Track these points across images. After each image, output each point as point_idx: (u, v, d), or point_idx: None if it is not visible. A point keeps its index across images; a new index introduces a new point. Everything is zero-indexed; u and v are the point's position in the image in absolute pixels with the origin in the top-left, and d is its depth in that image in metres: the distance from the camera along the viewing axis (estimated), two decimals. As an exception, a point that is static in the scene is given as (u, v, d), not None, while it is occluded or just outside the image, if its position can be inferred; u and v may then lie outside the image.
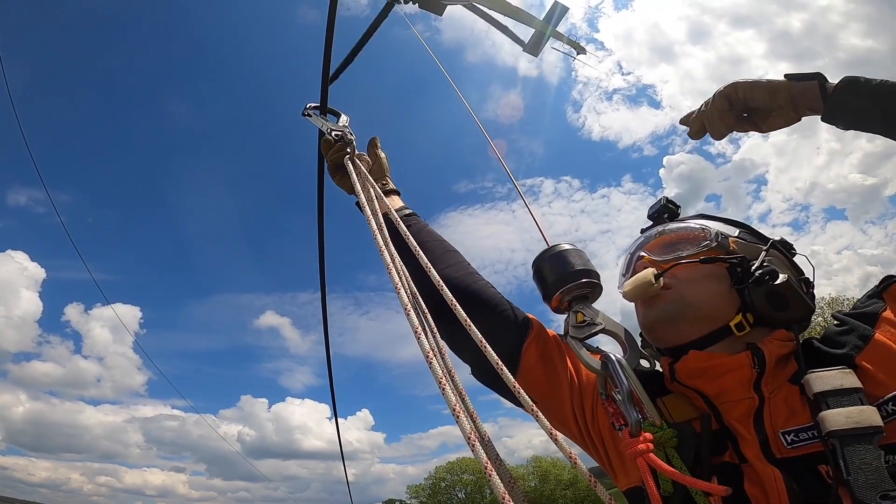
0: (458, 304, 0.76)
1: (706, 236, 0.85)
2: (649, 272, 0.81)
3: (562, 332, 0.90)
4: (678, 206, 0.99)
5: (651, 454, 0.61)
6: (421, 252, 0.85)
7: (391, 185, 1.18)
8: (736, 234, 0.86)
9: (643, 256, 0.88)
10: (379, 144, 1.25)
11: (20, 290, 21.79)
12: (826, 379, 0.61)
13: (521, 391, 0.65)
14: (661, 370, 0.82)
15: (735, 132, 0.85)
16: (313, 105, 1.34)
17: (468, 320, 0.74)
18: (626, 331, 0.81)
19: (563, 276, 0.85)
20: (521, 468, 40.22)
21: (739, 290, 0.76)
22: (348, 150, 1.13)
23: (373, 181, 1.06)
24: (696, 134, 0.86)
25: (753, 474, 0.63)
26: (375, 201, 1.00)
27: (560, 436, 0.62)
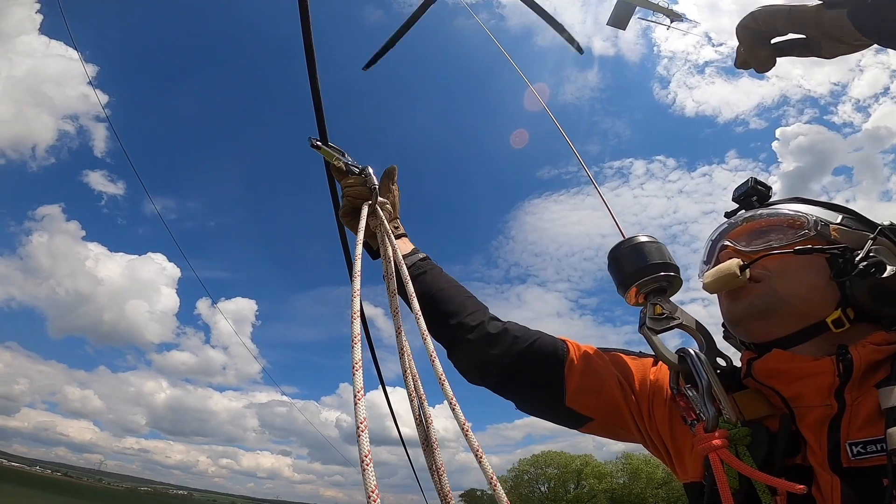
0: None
1: (803, 224, 0.76)
2: (733, 263, 0.74)
3: (638, 331, 0.84)
4: (769, 189, 0.88)
5: (724, 450, 0.62)
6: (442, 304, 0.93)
7: (402, 229, 1.07)
8: (838, 221, 0.76)
9: (727, 246, 0.80)
10: (396, 177, 1.09)
11: (161, 288, 25.00)
12: None
13: (456, 405, 0.62)
14: (736, 365, 0.77)
15: (799, 58, 0.68)
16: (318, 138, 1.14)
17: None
18: (704, 328, 0.79)
19: (641, 268, 0.82)
20: (610, 464, 38.69)
21: (840, 282, 0.69)
22: (371, 199, 0.97)
23: (394, 240, 0.92)
24: (740, 64, 0.72)
25: (816, 480, 0.62)
26: (392, 262, 0.89)
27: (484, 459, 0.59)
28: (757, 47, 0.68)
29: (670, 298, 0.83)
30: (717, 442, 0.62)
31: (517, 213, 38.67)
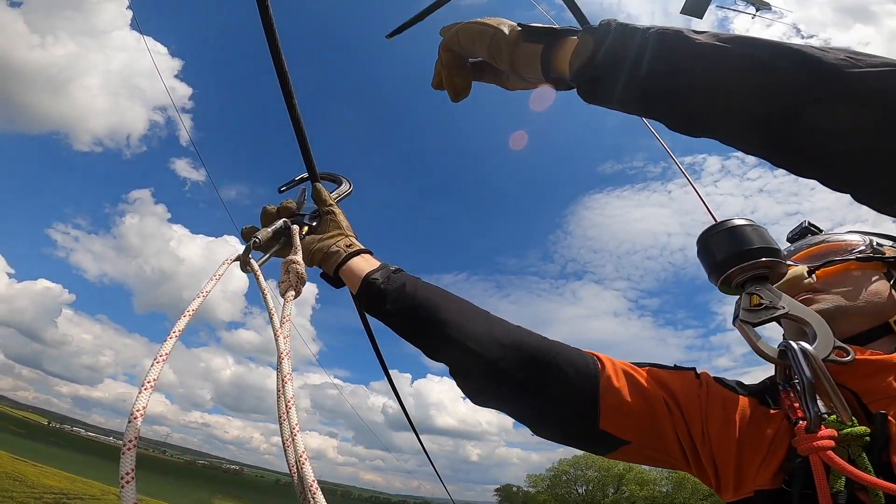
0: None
1: (859, 244, 0.82)
2: (802, 267, 0.79)
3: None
4: (821, 231, 0.96)
5: (830, 452, 0.56)
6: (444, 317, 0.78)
7: (357, 245, 0.89)
8: (891, 244, 0.82)
9: (791, 265, 0.81)
10: (327, 198, 0.93)
11: (233, 269, 28.52)
12: None
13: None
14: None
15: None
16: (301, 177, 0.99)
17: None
18: (818, 318, 0.69)
19: (737, 253, 0.73)
20: (655, 471, 37.45)
21: None
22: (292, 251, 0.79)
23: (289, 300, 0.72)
24: (436, 86, 0.72)
25: None
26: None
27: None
28: (455, 72, 0.69)
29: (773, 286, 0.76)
30: (822, 443, 0.56)
31: (576, 208, 36.26)
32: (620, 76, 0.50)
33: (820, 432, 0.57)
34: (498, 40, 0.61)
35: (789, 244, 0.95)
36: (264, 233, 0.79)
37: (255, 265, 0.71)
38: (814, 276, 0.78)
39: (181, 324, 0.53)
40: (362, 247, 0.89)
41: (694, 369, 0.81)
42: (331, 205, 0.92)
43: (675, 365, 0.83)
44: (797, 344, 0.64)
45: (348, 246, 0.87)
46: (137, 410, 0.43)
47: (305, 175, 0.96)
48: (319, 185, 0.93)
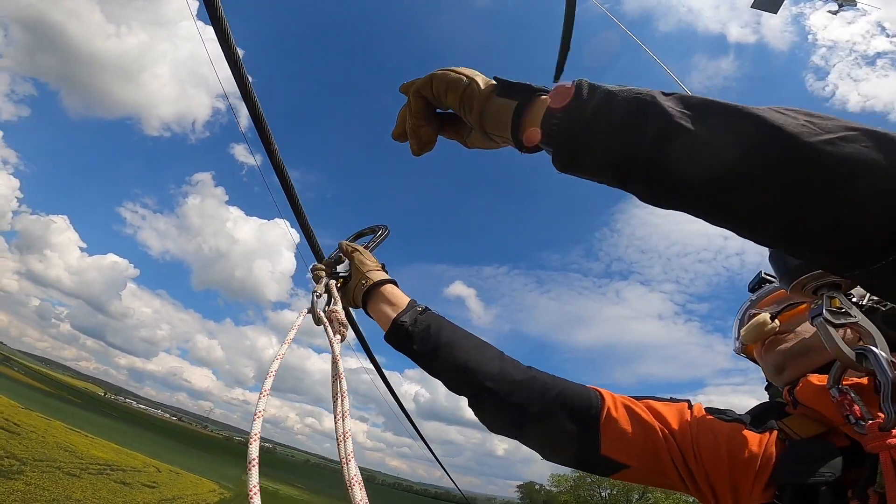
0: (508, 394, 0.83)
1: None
2: (765, 314, 0.88)
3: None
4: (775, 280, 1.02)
5: None
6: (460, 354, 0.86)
7: (383, 274, 0.97)
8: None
9: (752, 313, 0.93)
10: (354, 248, 1.01)
11: (282, 251, 28.14)
12: None
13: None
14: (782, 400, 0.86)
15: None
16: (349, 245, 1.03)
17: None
18: (878, 332, 0.72)
19: None
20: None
21: None
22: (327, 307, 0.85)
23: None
24: (398, 137, 0.70)
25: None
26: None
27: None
28: (423, 122, 0.66)
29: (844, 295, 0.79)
30: (894, 441, 0.60)
31: (625, 206, 34.98)
32: (591, 148, 0.49)
33: (893, 431, 0.60)
34: (472, 91, 0.59)
35: (751, 293, 1.04)
36: (321, 294, 0.91)
37: (324, 317, 0.82)
38: (776, 320, 0.88)
39: (267, 384, 0.60)
40: (377, 279, 0.96)
41: (688, 401, 0.89)
42: (352, 252, 1.01)
43: (670, 397, 0.92)
44: (877, 349, 0.68)
45: (363, 283, 0.96)
46: (260, 411, 0.54)
47: (362, 231, 1.12)
48: (345, 243, 1.04)
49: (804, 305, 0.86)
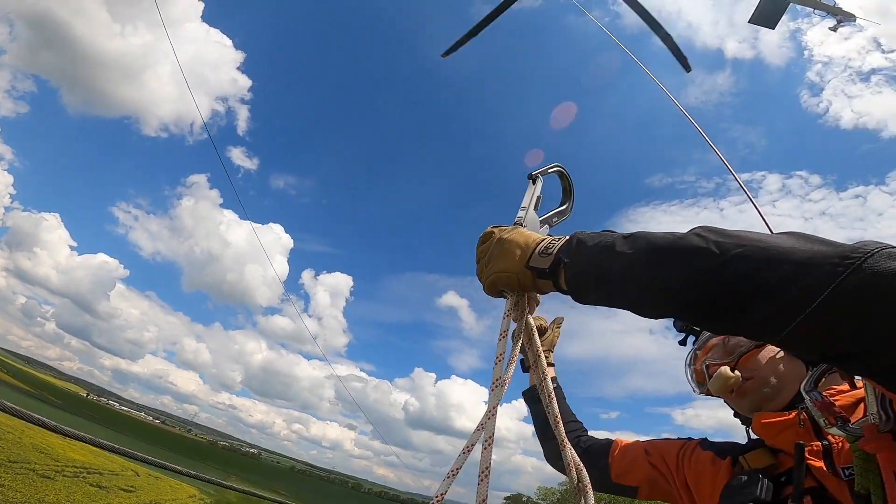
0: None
1: None
2: (725, 368, 0.97)
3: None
4: None
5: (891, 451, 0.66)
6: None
7: (551, 358, 1.36)
8: None
9: (710, 364, 1.02)
10: (555, 325, 1.36)
11: (276, 256, 28.16)
12: None
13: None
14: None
15: None
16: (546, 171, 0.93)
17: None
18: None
19: None
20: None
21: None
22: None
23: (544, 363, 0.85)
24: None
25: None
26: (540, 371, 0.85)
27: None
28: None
29: None
30: (885, 443, 0.65)
31: (619, 220, 35.65)
32: (589, 289, 0.63)
33: (888, 435, 0.65)
34: (523, 282, 0.72)
35: (693, 345, 1.14)
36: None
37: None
38: (736, 370, 0.96)
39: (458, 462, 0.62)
40: (552, 361, 1.40)
41: (689, 439, 1.15)
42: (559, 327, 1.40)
43: (677, 437, 1.19)
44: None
45: (547, 356, 1.37)
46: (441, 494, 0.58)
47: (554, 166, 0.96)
48: (561, 319, 1.39)
49: (754, 350, 0.97)
